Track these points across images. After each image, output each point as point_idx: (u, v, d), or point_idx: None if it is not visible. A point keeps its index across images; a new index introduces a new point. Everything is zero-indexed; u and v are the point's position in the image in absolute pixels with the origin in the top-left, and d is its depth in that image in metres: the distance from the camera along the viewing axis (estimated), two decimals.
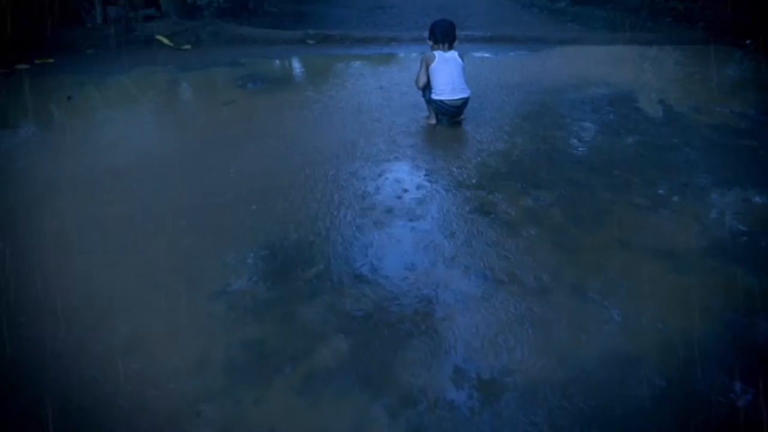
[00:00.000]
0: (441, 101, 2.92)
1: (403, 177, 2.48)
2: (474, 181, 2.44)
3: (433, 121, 3.08)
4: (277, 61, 4.83)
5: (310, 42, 5.49)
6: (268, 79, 4.22)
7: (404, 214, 2.15)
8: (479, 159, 2.67)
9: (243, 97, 3.72)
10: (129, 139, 3.04)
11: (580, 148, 2.87)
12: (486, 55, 4.96)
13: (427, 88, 2.98)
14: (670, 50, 5.23)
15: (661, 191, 2.36)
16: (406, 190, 2.35)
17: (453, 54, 2.98)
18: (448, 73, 2.90)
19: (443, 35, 2.98)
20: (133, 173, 2.51)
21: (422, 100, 3.20)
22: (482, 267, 1.80)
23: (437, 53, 2.95)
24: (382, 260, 1.85)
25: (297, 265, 1.81)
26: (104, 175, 2.49)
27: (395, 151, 2.76)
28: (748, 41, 5.50)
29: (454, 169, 2.55)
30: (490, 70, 4.39)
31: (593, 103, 3.55)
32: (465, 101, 2.95)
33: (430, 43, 3.03)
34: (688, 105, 3.54)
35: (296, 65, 4.76)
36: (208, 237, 2.00)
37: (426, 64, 2.94)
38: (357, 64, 4.70)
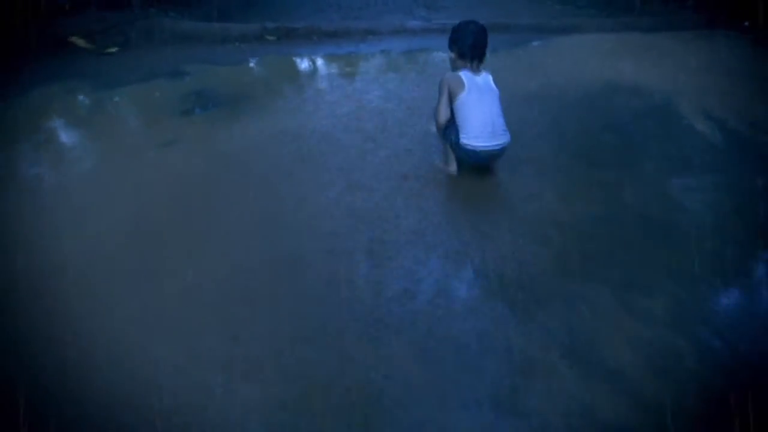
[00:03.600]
0: (473, 149, 2.12)
1: (441, 288, 1.72)
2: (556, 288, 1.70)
3: (454, 170, 2.28)
4: (233, 68, 3.83)
5: (270, 38, 4.51)
6: (223, 97, 3.25)
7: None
8: (548, 244, 1.90)
9: (189, 130, 2.77)
10: None
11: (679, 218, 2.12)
12: None
13: (449, 126, 2.17)
14: (676, 39, 4.58)
15: None
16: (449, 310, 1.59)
17: (487, 79, 2.20)
18: (483, 110, 2.11)
19: (474, 47, 2.16)
20: None
21: (431, 132, 2.43)
22: None
23: (464, 76, 2.14)
24: None
25: None
26: None
27: (415, 231, 1.97)
28: (746, 22, 5.03)
29: (515, 272, 1.76)
30: (495, 74, 3.61)
31: (641, 124, 2.88)
32: (504, 148, 2.17)
33: (451, 56, 2.23)
34: (742, 120, 2.92)
35: (257, 74, 3.78)
36: None
37: (449, 92, 2.13)
38: (333, 69, 3.79)
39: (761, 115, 2.95)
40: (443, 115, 2.16)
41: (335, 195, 2.18)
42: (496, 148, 2.12)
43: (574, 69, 3.73)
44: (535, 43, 4.21)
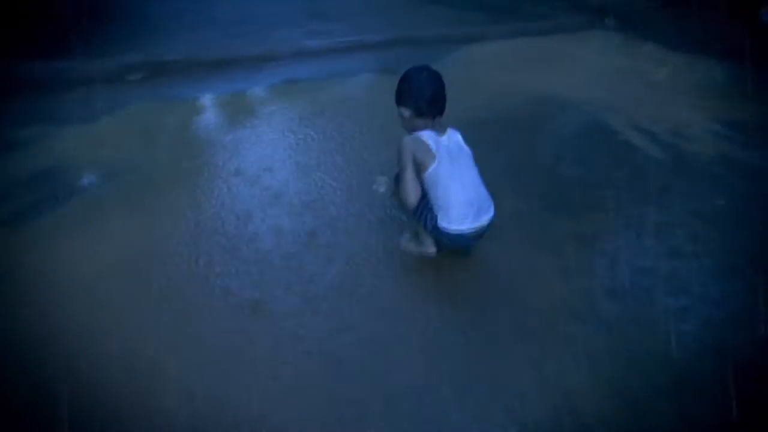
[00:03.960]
0: (458, 234, 1.71)
1: None
2: None
3: (432, 251, 1.89)
4: (84, 131, 2.87)
5: (134, 78, 3.62)
6: (73, 190, 2.30)
7: None
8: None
9: (29, 253, 1.93)
10: None
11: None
12: (389, 68, 3.78)
13: (421, 205, 1.73)
14: (571, 40, 4.71)
15: None
16: None
17: (454, 138, 1.80)
18: (464, 183, 1.71)
19: (435, 101, 1.73)
20: None
21: (382, 195, 2.02)
22: None
23: (429, 139, 1.71)
24: None
25: None
26: None
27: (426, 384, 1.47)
28: (606, 19, 5.42)
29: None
30: None
31: (588, 147, 2.75)
32: (492, 221, 1.79)
33: (405, 114, 1.77)
34: (664, 128, 2.96)
35: (119, 139, 2.79)
36: None
37: (415, 162, 1.69)
38: (227, 118, 3.10)
39: (686, 124, 3.02)
40: (414, 194, 1.70)
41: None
42: (484, 225, 1.75)
43: (497, 84, 3.57)
44: (448, 58, 3.96)
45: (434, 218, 1.71)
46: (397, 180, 1.84)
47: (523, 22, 5.01)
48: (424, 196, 1.73)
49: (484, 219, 1.73)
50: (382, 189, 2.13)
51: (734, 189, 2.41)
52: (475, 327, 1.63)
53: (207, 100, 3.33)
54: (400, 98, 1.78)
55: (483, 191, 1.75)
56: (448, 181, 1.68)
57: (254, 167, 2.51)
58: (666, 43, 4.48)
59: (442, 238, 1.75)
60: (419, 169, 1.70)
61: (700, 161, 2.64)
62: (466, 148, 1.80)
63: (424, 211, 1.73)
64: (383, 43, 4.12)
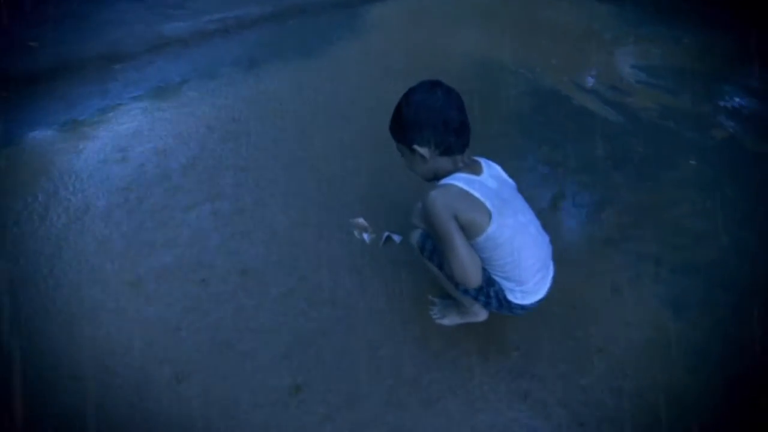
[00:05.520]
0: (532, 305, 1.33)
1: None
2: None
3: (484, 315, 1.52)
4: None
5: None
6: None
7: None
8: None
9: None
10: None
11: None
12: (282, 50, 3.06)
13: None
14: None
15: None
16: None
17: (495, 172, 1.35)
18: (532, 237, 1.30)
19: (464, 129, 1.26)
20: None
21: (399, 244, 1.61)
22: None
23: (470, 187, 1.22)
24: None
25: None
26: None
27: None
28: None
29: None
30: (346, 82, 2.69)
31: (549, 117, 2.53)
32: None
33: (422, 154, 1.27)
34: (603, 84, 2.89)
35: None
36: None
37: (459, 224, 1.20)
38: (59, 175, 2.17)
39: (614, 75, 2.96)
40: (477, 269, 1.18)
41: None
42: (550, 286, 1.38)
43: (423, 50, 3.10)
44: (357, 25, 3.33)
45: (500, 292, 1.30)
46: (426, 249, 1.38)
47: None
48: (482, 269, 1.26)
49: (551, 275, 1.37)
50: (366, 237, 1.66)
51: (692, 143, 2.43)
52: None
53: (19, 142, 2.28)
54: (410, 133, 1.25)
55: (544, 240, 1.36)
56: (515, 243, 1.24)
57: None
58: None
59: (503, 311, 1.36)
60: (467, 233, 1.21)
61: (650, 117, 2.62)
62: (511, 181, 1.38)
63: (483, 286, 1.30)
64: (267, 17, 3.31)
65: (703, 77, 3.00)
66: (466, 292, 1.35)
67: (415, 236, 1.42)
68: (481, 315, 1.50)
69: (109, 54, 2.88)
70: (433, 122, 1.24)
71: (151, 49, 2.96)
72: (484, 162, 1.35)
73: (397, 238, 1.78)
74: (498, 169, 1.37)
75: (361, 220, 1.84)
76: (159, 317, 1.56)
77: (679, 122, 2.59)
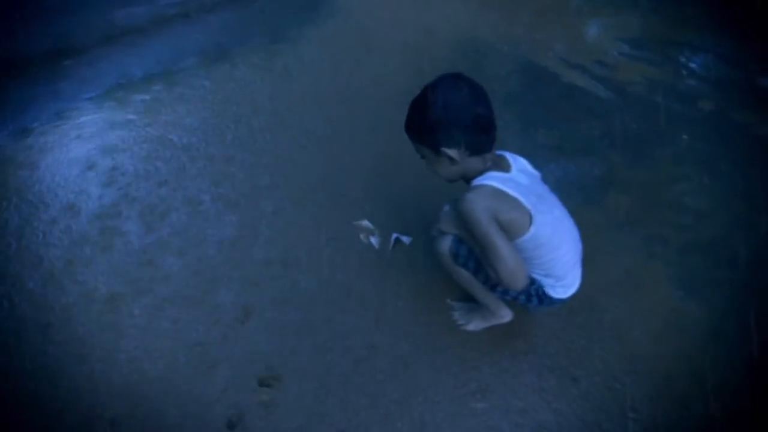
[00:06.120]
0: (567, 297, 1.31)
1: None
2: None
3: (509, 314, 1.46)
4: None
5: None
6: None
7: None
8: None
9: None
10: None
11: None
12: (259, 38, 2.84)
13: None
14: None
15: None
16: None
17: (520, 164, 1.28)
18: (571, 231, 1.26)
19: (491, 125, 1.17)
20: None
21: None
22: None
23: (506, 186, 1.16)
24: None
25: None
26: None
27: None
28: None
29: None
30: (335, 66, 2.53)
31: (545, 98, 2.47)
32: None
33: (450, 156, 1.18)
34: (588, 59, 2.84)
35: None
36: None
37: (503, 226, 1.12)
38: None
39: (598, 49, 2.91)
40: (523, 270, 1.09)
41: None
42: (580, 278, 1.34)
43: (400, 30, 2.94)
44: (326, 7, 3.11)
45: (540, 288, 1.27)
46: (460, 256, 1.30)
47: None
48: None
49: (580, 271, 1.33)
50: (374, 241, 1.57)
51: (681, 117, 2.44)
52: None
53: None
54: (436, 135, 1.16)
55: (574, 231, 1.30)
56: (555, 240, 1.20)
57: None
58: None
59: (546, 307, 1.32)
60: (508, 234, 1.14)
61: (638, 91, 2.60)
62: (536, 173, 1.31)
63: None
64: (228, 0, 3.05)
65: (682, 47, 3.00)
66: (505, 292, 1.29)
67: (446, 244, 1.32)
68: (507, 316, 1.45)
69: (57, 48, 2.59)
70: (462, 121, 1.14)
71: (104, 40, 2.67)
72: (509, 156, 1.27)
73: (406, 239, 1.69)
74: (523, 161, 1.30)
75: (365, 223, 1.73)
76: (149, 331, 1.42)
77: (666, 96, 2.58)
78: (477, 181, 1.19)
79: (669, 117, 2.44)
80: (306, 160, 2.05)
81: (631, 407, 1.37)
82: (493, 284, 1.31)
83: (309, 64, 2.61)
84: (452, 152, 1.17)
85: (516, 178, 1.20)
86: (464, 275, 1.34)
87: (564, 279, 1.26)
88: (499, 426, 1.32)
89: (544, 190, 1.26)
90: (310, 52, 2.70)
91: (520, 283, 1.11)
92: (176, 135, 2.13)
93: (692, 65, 2.85)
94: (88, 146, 2.06)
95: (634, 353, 1.49)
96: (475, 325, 1.48)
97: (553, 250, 1.20)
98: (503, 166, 1.23)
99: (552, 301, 1.29)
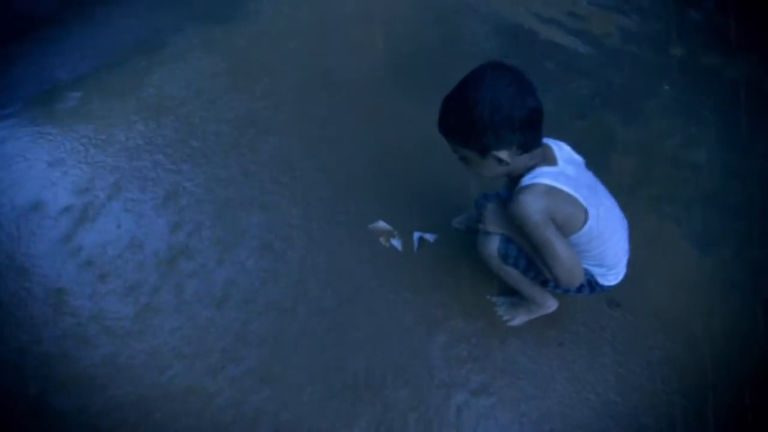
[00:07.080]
0: (616, 283, 1.29)
1: None
2: None
3: (554, 303, 1.42)
4: None
5: None
6: None
7: None
8: None
9: None
10: None
11: None
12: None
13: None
14: None
15: None
16: None
17: (566, 153, 1.20)
18: (620, 221, 1.24)
19: (540, 118, 1.07)
20: None
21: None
22: None
23: (559, 182, 1.09)
24: None
25: None
26: None
27: None
28: None
29: None
30: (328, 43, 2.28)
31: (527, 59, 2.37)
32: None
33: (499, 158, 1.08)
34: (560, 12, 2.77)
35: None
36: None
37: (559, 224, 1.08)
38: None
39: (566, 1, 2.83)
40: (580, 267, 1.10)
41: None
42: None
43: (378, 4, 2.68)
44: None
45: (593, 278, 1.25)
46: (510, 256, 1.23)
47: None
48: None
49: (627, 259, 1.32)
50: (396, 243, 1.48)
51: (658, 66, 2.45)
52: None
53: None
54: (485, 138, 1.05)
55: (623, 222, 1.27)
56: (608, 231, 1.17)
57: None
58: None
59: (598, 292, 1.30)
60: (564, 231, 1.10)
61: (613, 43, 2.58)
62: (580, 159, 1.25)
63: None
64: None
65: None
66: (556, 285, 1.25)
67: (493, 245, 1.25)
68: (553, 306, 1.43)
69: None
70: (515, 121, 1.03)
71: (13, 35, 2.23)
72: (553, 144, 1.20)
73: (430, 237, 1.59)
74: (567, 149, 1.23)
75: (381, 224, 1.61)
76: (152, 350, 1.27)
77: (640, 45, 2.58)
78: (528, 180, 1.11)
79: (647, 67, 2.45)
80: (298, 163, 1.86)
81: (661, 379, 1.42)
82: (544, 279, 1.27)
83: (276, 41, 2.33)
84: (503, 154, 1.07)
85: (565, 172, 1.13)
86: (513, 274, 1.29)
87: (616, 267, 1.25)
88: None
89: (591, 179, 1.21)
90: (273, 27, 2.41)
91: (576, 281, 1.10)
92: (126, 152, 1.84)
93: (654, 10, 2.85)
94: (9, 181, 1.74)
95: (659, 316, 1.53)
96: (519, 319, 1.45)
97: (606, 241, 1.17)
98: (549, 158, 1.15)
99: (603, 288, 1.28)
